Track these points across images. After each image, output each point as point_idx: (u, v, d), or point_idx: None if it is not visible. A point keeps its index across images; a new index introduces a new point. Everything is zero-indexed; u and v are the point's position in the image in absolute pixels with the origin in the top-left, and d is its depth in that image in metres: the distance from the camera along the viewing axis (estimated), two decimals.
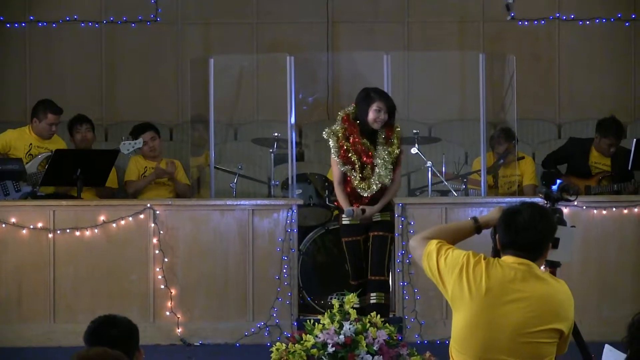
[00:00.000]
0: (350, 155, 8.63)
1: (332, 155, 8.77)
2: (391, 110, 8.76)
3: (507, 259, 5.02)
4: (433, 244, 5.17)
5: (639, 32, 13.17)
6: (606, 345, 5.50)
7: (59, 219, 9.51)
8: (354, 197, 8.74)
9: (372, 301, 8.69)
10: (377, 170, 8.63)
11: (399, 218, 9.38)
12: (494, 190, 10.88)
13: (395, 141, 8.78)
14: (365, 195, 8.68)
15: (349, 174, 8.66)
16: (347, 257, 8.91)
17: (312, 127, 12.36)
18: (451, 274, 5.01)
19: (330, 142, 8.72)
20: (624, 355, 5.51)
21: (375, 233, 8.82)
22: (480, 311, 4.91)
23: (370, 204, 8.77)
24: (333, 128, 8.77)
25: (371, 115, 8.66)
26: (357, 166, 8.62)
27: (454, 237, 5.24)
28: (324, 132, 8.87)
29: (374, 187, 8.64)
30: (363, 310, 8.61)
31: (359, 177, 8.63)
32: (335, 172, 8.86)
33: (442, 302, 9.20)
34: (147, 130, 10.81)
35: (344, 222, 8.85)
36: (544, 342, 4.93)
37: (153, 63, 13.12)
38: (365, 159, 8.63)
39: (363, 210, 8.69)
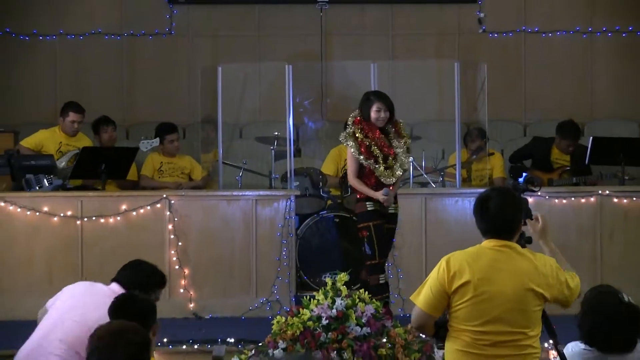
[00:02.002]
0: (373, 149, 8.61)
1: (353, 154, 8.63)
2: (390, 108, 8.71)
3: (488, 243, 5.08)
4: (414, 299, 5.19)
5: (595, 43, 13.19)
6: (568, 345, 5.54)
7: (86, 208, 9.53)
8: (378, 187, 8.71)
9: (381, 281, 8.71)
10: (398, 158, 8.65)
11: None
12: (468, 182, 10.91)
13: (405, 133, 8.80)
14: (390, 181, 8.65)
15: (371, 167, 8.61)
16: (374, 238, 8.67)
17: (307, 127, 12.37)
18: (447, 283, 5.03)
19: (349, 143, 8.63)
20: (580, 345, 5.55)
21: (389, 225, 8.80)
22: (480, 291, 4.95)
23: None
24: (348, 131, 8.69)
25: (373, 115, 8.65)
26: (379, 158, 8.60)
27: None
28: (340, 137, 8.79)
29: (398, 173, 8.64)
30: (387, 285, 8.76)
31: (383, 166, 8.61)
32: (353, 168, 8.71)
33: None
34: (173, 132, 10.88)
35: (369, 209, 8.74)
36: (532, 310, 5.01)
37: (168, 71, 13.12)
38: (387, 150, 8.63)
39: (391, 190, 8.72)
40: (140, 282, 5.97)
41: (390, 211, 8.74)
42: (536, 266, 5.05)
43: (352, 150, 8.62)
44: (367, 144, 8.58)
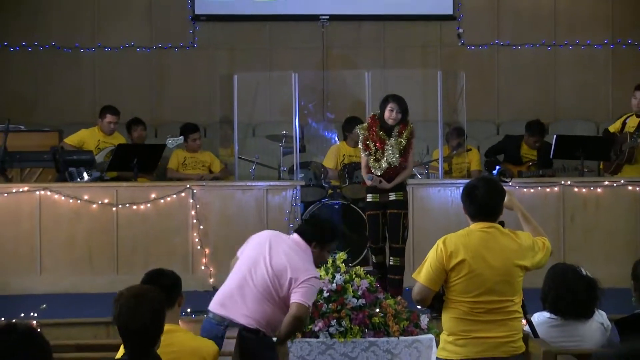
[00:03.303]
0: (368, 143, 8.59)
1: (360, 147, 8.74)
2: (403, 111, 8.60)
3: (477, 225, 5.07)
4: (416, 277, 5.14)
5: (558, 54, 13.18)
6: (534, 315, 5.55)
7: (121, 196, 9.53)
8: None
9: (390, 263, 8.64)
10: (386, 153, 8.58)
11: None
12: (449, 174, 10.91)
13: (405, 134, 8.62)
14: (378, 174, 8.58)
15: (367, 158, 8.61)
16: (368, 226, 8.79)
17: (311, 126, 12.37)
18: (446, 261, 5.03)
19: (360, 136, 8.68)
20: (546, 314, 5.55)
21: (391, 210, 8.63)
22: (474, 268, 4.96)
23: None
24: (363, 125, 8.73)
25: (386, 114, 8.57)
26: (372, 151, 8.57)
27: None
28: (356, 128, 8.87)
29: (384, 166, 8.56)
30: (382, 265, 8.68)
31: (373, 159, 8.58)
32: (362, 159, 8.75)
33: (410, 259, 9.21)
34: (196, 131, 10.93)
35: (368, 200, 8.73)
36: (517, 281, 5.04)
37: (191, 78, 13.11)
38: (378, 145, 8.58)
39: (380, 180, 8.56)
40: (317, 237, 5.95)
41: (391, 198, 8.67)
42: (519, 244, 5.06)
43: (360, 144, 8.65)
44: (367, 139, 8.59)
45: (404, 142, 8.59)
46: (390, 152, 8.54)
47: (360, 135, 8.64)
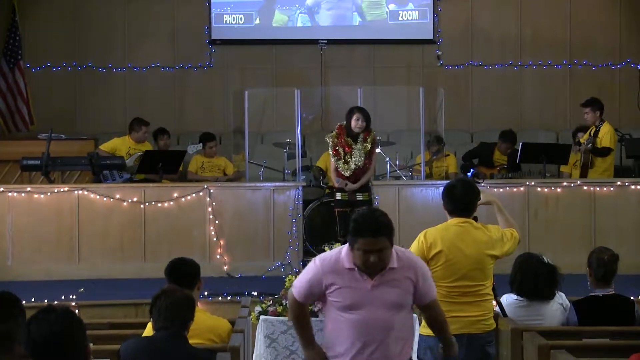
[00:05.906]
0: (338, 148, 8.68)
1: (329, 153, 8.84)
2: (367, 119, 8.73)
3: (454, 220, 5.07)
4: None
5: (523, 73, 13.17)
6: (504, 297, 5.54)
7: (148, 195, 9.51)
8: (344, 179, 8.78)
9: None
10: (353, 156, 8.69)
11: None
12: (430, 176, 10.89)
13: (369, 140, 8.77)
14: (348, 174, 8.71)
15: (336, 163, 8.71)
16: (337, 221, 8.85)
17: (311, 135, 12.35)
18: (426, 252, 5.01)
19: (330, 143, 8.79)
20: (513, 296, 5.54)
21: (359, 209, 8.77)
22: (450, 257, 4.96)
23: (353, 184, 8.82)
24: (332, 133, 8.84)
25: (353, 123, 8.71)
26: (342, 155, 8.67)
27: None
28: (326, 137, 8.94)
29: (352, 167, 8.69)
30: None
31: (343, 161, 8.69)
32: (331, 164, 8.89)
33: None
34: (212, 140, 10.91)
35: (337, 198, 8.83)
36: (488, 268, 5.04)
37: (208, 94, 13.09)
38: (346, 149, 8.68)
39: (346, 183, 8.73)
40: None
41: (358, 198, 8.77)
42: (489, 236, 5.05)
43: (330, 150, 8.78)
44: (336, 145, 8.68)
45: (369, 146, 8.80)
46: (357, 155, 8.69)
47: (330, 143, 8.74)
